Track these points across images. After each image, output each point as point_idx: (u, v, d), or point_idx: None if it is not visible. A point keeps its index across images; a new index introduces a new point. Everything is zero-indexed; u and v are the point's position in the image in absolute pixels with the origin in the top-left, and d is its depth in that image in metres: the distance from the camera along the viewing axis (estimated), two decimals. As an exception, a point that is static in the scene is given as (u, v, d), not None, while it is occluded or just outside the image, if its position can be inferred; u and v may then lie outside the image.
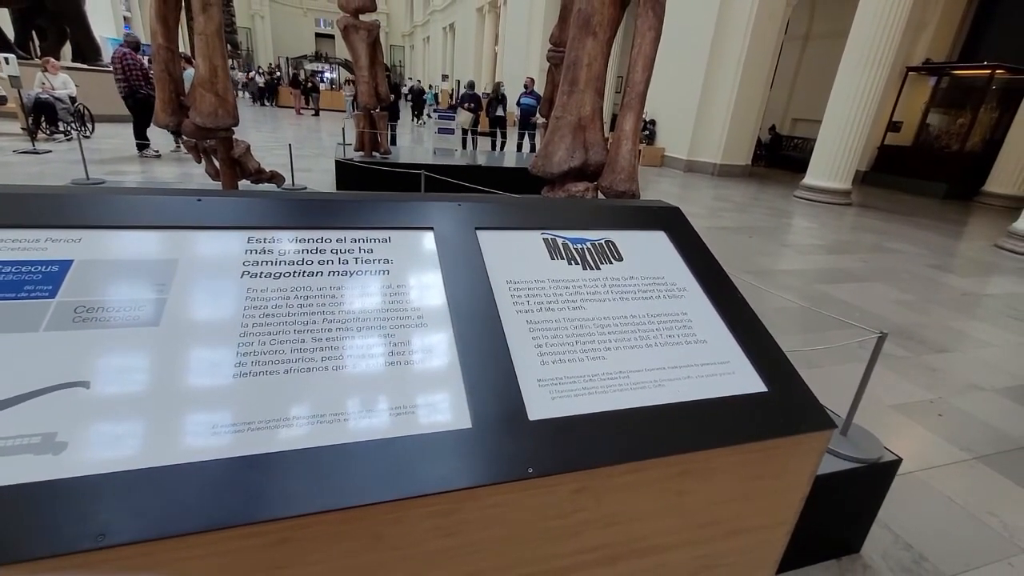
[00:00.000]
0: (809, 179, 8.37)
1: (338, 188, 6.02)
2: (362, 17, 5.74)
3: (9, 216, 0.82)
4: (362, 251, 0.93)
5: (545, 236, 1.07)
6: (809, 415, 0.89)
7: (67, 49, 11.24)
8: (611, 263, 1.06)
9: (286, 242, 0.90)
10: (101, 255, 0.81)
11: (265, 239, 0.90)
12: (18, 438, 0.60)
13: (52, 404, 0.63)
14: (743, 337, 0.99)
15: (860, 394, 1.61)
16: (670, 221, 1.22)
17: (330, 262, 0.89)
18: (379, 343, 0.80)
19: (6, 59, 6.80)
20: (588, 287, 1.00)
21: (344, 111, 16.71)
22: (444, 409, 0.74)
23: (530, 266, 1.00)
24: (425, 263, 0.94)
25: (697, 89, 10.18)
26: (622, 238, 1.13)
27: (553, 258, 1.03)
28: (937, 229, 7.14)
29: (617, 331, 0.93)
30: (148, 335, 0.73)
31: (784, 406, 0.89)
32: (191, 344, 0.73)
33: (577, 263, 1.04)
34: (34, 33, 11.07)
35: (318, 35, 42.70)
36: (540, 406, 0.78)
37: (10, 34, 10.77)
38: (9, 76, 6.85)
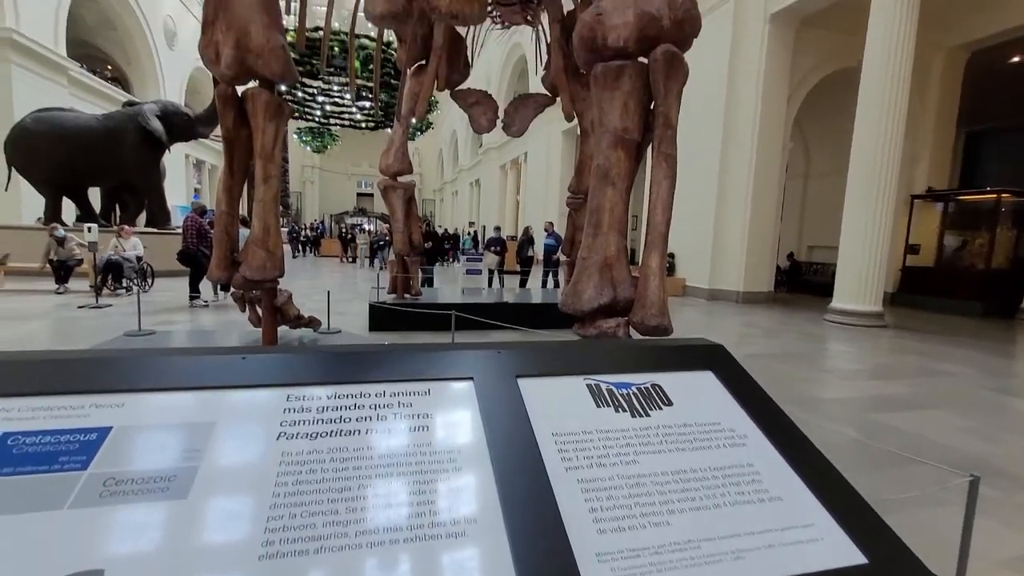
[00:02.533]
0: (837, 302, 8.30)
1: (371, 330, 6.20)
2: (400, 179, 6.44)
3: (58, 382, 0.83)
4: (401, 405, 0.90)
5: (588, 382, 1.03)
6: (926, 594, 0.74)
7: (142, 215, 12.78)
8: (661, 409, 1.00)
9: (324, 398, 0.88)
10: (141, 420, 0.80)
11: (304, 396, 0.88)
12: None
13: (60, 599, 0.57)
14: (824, 493, 0.87)
15: (965, 553, 1.37)
16: (715, 359, 1.17)
17: (368, 419, 0.86)
18: (416, 514, 0.72)
19: (89, 228, 7.73)
20: (639, 437, 0.92)
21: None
22: (491, 595, 0.64)
23: (576, 415, 0.94)
24: (466, 418, 0.89)
25: (710, 223, 10.72)
26: (668, 380, 1.07)
27: (599, 405, 0.98)
28: (984, 348, 6.78)
29: (678, 489, 0.83)
30: (174, 511, 0.68)
31: (892, 582, 0.74)
32: (217, 521, 0.67)
33: (625, 410, 0.98)
34: (117, 204, 12.74)
35: (359, 194, 47.88)
36: (602, 589, 0.67)
37: (97, 206, 12.43)
38: (89, 242, 7.73)
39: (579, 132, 6.53)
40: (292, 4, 12.45)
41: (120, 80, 22.23)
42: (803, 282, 13.84)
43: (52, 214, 11.17)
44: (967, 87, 11.18)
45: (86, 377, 0.85)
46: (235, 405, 0.85)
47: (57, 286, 8.33)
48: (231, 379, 0.89)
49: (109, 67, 22.49)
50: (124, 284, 8.37)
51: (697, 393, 1.06)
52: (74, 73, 16.41)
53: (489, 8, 6.46)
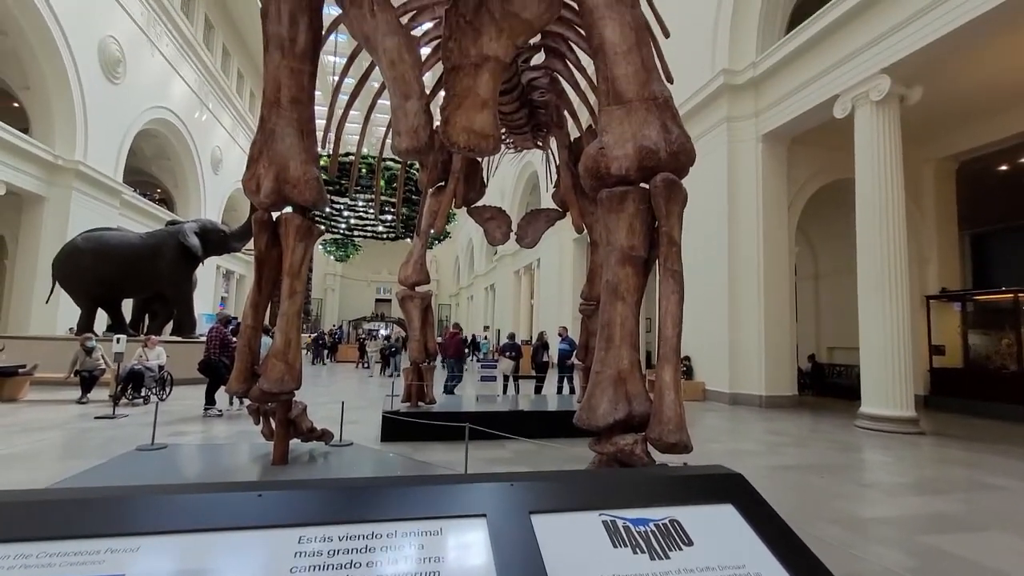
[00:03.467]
0: (867, 407, 7.94)
1: (383, 439, 6.05)
2: (417, 288, 6.69)
3: (74, 524, 0.85)
4: (412, 547, 0.88)
5: (604, 518, 1.00)
6: None
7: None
8: (680, 549, 0.96)
9: (336, 539, 0.88)
10: (156, 567, 0.80)
11: (315, 538, 0.88)
12: None
13: None
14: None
15: None
16: (735, 491, 1.14)
17: (379, 563, 0.84)
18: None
19: (117, 339, 8.01)
20: (660, 583, 0.88)
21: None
22: None
23: (592, 559, 0.91)
24: (479, 562, 0.87)
25: (724, 327, 10.69)
26: (687, 516, 1.04)
27: (616, 545, 0.95)
28: (1040, 459, 6.29)
29: (704, 647, 0.78)
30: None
31: None
32: None
33: (643, 551, 0.94)
34: (147, 314, 13.28)
35: (378, 300, 49.27)
36: None
37: (128, 314, 12.96)
38: (115, 352, 7.96)
39: (589, 242, 6.85)
40: (328, 135, 13.90)
41: (167, 201, 24.33)
42: (828, 385, 13.36)
43: (85, 324, 11.64)
44: (962, 193, 11.63)
45: (103, 518, 0.87)
46: (248, 547, 0.85)
47: (81, 396, 8.43)
48: (245, 519, 0.89)
49: (159, 190, 24.74)
50: (143, 394, 8.44)
51: (718, 530, 1.02)
52: (127, 196, 18.06)
53: (503, 136, 7.16)
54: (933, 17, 7.10)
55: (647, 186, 2.62)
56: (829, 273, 14.08)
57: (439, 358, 9.55)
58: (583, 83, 5.87)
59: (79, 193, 15.44)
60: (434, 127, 3.49)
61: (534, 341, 12.74)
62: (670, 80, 4.27)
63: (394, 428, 6.00)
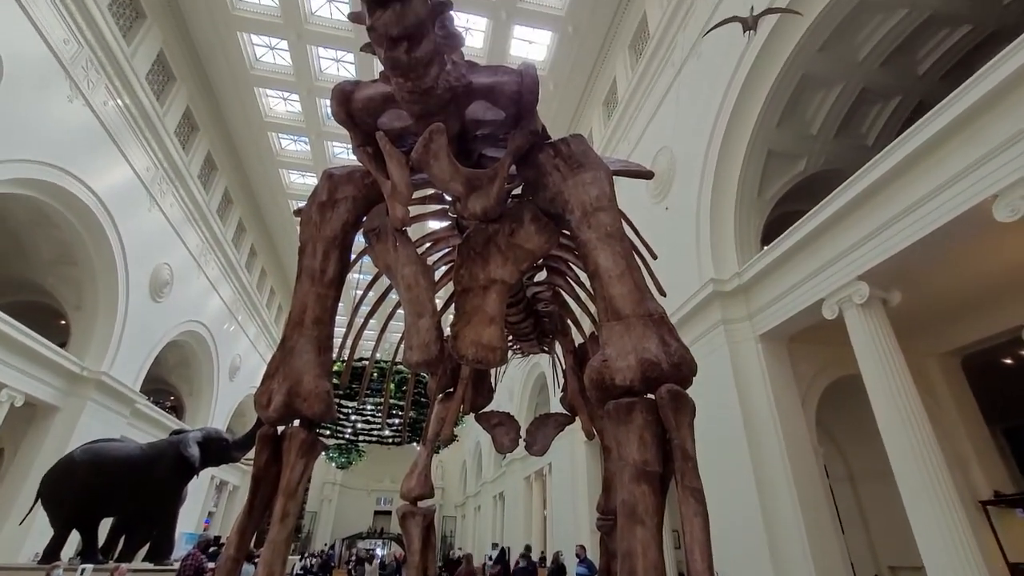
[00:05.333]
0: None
1: None
2: (420, 504, 6.19)
3: None
4: None
5: None
6: None
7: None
8: None
9: None
10: None
11: None
12: None
13: None
14: None
15: None
16: None
17: None
18: None
19: (83, 570, 7.16)
20: None
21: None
22: None
23: None
24: None
25: (762, 540, 9.43)
26: None
27: None
28: None
29: None
30: None
31: None
32: None
33: None
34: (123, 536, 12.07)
35: (377, 512, 44.99)
36: None
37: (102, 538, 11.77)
38: (76, 585, 7.05)
39: (601, 448, 6.56)
40: (346, 344, 14.61)
41: (177, 408, 24.37)
42: (906, 618, 11.13)
43: (54, 550, 10.54)
44: (976, 386, 11.46)
45: None
46: None
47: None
48: None
49: (172, 397, 25.02)
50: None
51: None
52: (139, 405, 18.18)
53: (510, 343, 7.49)
54: (898, 229, 7.92)
55: (653, 397, 2.64)
56: (865, 476, 13.01)
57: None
58: (583, 295, 6.38)
59: (93, 403, 15.60)
60: (444, 340, 3.70)
61: (549, 563, 11.17)
62: (663, 294, 4.65)
63: None
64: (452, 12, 3.05)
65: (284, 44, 17.80)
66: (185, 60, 17.71)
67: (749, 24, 8.39)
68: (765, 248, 10.75)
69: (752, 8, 8.52)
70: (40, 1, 11.65)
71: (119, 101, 14.81)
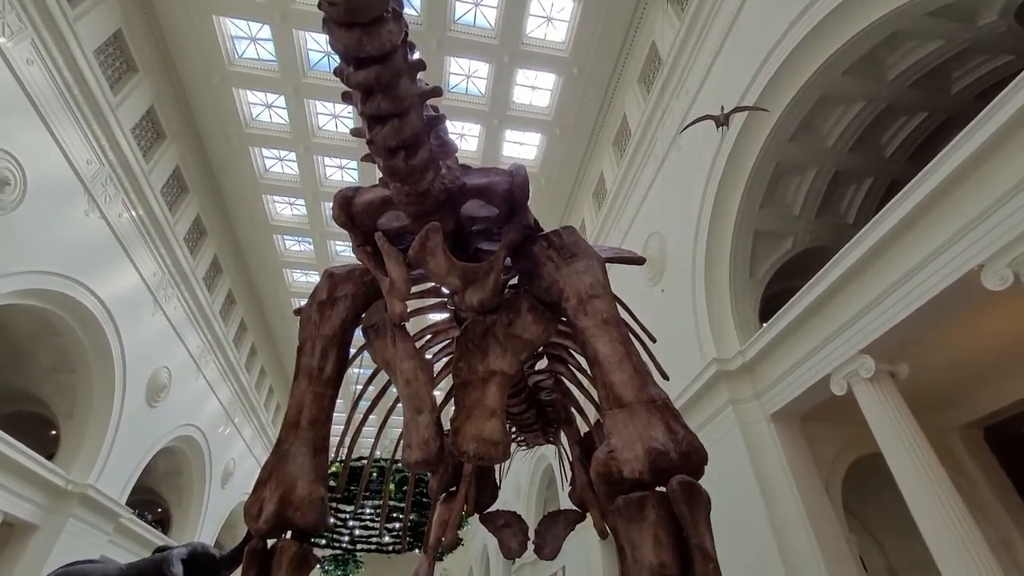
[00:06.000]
0: None
1: None
2: (422, 623, 5.61)
3: None
4: None
5: None
6: None
7: None
8: None
9: None
10: None
11: None
12: None
13: None
14: None
15: None
16: None
17: None
18: None
19: None
20: None
21: None
22: None
23: None
24: None
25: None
26: None
27: None
28: None
29: None
30: None
31: None
32: None
33: None
34: None
35: (374, 635, 40.45)
36: None
37: None
38: None
39: (616, 548, 6.08)
40: (343, 443, 14.06)
41: (163, 521, 22.86)
42: None
43: None
44: (1003, 459, 10.91)
45: None
46: None
47: None
48: None
49: (159, 509, 23.56)
50: None
51: None
52: (123, 520, 17.07)
53: (514, 435, 7.23)
54: (891, 302, 7.98)
55: (664, 489, 2.51)
56: (906, 570, 11.93)
57: None
58: (586, 382, 6.28)
59: (76, 520, 14.66)
60: (445, 436, 3.58)
61: None
62: (665, 377, 4.60)
63: None
64: (446, 123, 3.34)
65: (292, 155, 19.12)
66: (199, 173, 18.89)
67: (721, 121, 9.09)
68: (764, 325, 10.76)
69: (722, 108, 9.28)
70: (68, 126, 12.66)
71: (133, 213, 15.58)
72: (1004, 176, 6.61)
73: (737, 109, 9.27)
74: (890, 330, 8.03)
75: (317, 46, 15.95)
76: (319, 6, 2.18)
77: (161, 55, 15.61)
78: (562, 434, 7.10)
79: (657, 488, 2.52)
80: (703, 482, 2.57)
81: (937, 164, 7.27)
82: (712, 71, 12.01)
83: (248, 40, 16.09)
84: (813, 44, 9.56)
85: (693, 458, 2.58)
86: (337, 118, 18.18)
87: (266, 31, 15.64)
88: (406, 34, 2.46)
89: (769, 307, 11.83)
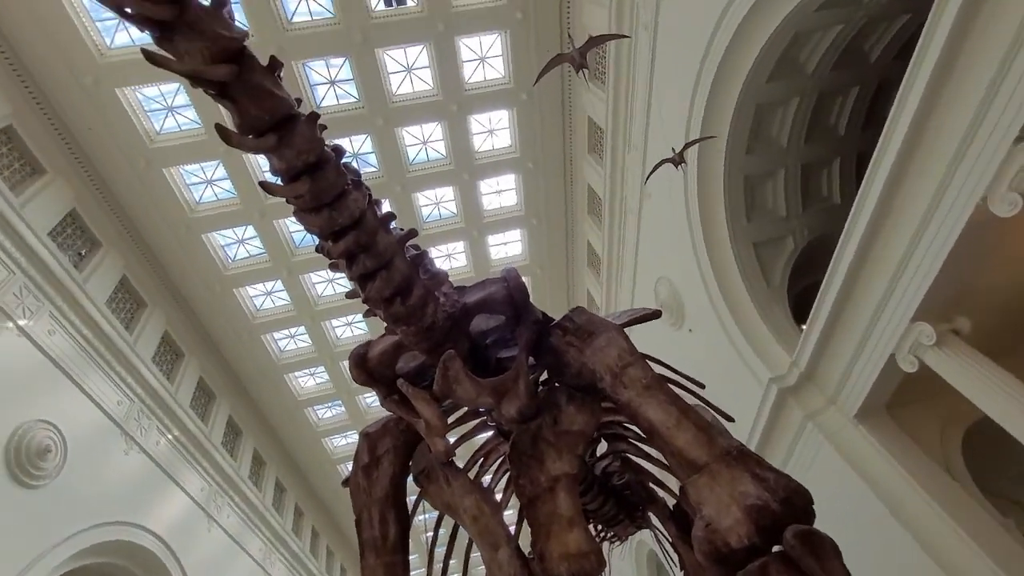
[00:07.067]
0: None
1: None
2: None
3: None
4: None
5: None
6: None
7: None
8: None
9: None
10: None
11: None
12: None
13: None
14: None
15: None
16: None
17: None
18: None
19: None
20: None
21: None
22: None
23: None
24: None
25: None
26: None
27: None
28: None
29: None
30: None
31: None
32: None
33: None
34: None
35: None
36: None
37: None
38: None
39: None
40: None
41: None
42: None
43: None
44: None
45: None
46: None
47: None
48: None
49: None
50: None
51: None
52: None
53: (601, 532, 6.67)
54: (918, 259, 7.70)
55: (781, 548, 2.25)
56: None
57: None
58: (652, 452, 5.92)
59: None
60: (531, 566, 3.30)
61: None
62: (729, 419, 4.33)
63: None
64: (430, 255, 3.49)
65: (302, 328, 19.80)
66: (222, 377, 19.44)
67: (677, 160, 9.51)
68: (803, 328, 10.38)
69: (673, 148, 9.77)
70: (95, 376, 13.24)
71: (169, 436, 15.78)
72: (960, 117, 6.79)
73: (687, 145, 9.74)
74: (930, 288, 7.71)
75: (298, 227, 17.22)
76: (287, 202, 2.40)
77: (166, 286, 16.87)
78: (651, 515, 6.54)
79: (774, 549, 2.27)
80: (818, 524, 2.31)
81: (892, 123, 7.50)
82: (650, 120, 12.81)
83: (236, 243, 17.43)
84: (730, 66, 10.31)
85: (796, 501, 2.35)
86: (332, 282, 19.09)
87: (251, 230, 16.98)
88: (370, 195, 2.67)
89: (801, 309, 11.51)
